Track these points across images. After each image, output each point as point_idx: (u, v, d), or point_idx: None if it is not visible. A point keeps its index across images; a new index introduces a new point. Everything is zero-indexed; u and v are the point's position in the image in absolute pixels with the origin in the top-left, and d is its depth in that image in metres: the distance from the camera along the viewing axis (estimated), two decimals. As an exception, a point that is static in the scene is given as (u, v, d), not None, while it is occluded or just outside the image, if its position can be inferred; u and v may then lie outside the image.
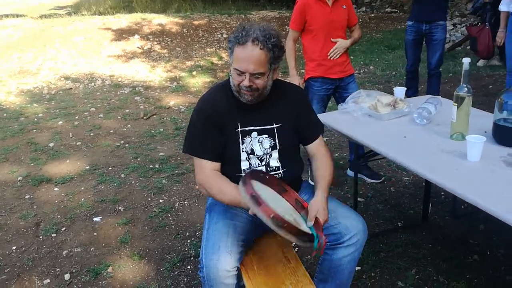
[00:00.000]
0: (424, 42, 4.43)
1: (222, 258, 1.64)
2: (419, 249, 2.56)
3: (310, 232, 1.57)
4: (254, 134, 1.83)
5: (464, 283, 2.25)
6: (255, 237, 1.90)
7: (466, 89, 1.94)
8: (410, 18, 4.40)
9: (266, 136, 1.84)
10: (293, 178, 1.91)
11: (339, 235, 1.78)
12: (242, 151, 1.82)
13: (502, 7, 4.31)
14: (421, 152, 1.90)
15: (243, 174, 1.81)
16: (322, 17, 3.05)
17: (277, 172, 1.85)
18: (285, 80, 2.17)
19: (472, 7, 6.71)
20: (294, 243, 1.62)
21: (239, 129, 1.82)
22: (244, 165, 1.82)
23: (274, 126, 1.85)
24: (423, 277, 2.34)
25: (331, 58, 3.09)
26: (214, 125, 1.80)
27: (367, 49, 8.24)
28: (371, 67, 7.22)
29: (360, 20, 10.88)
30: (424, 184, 3.27)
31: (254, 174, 1.70)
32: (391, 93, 2.68)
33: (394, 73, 6.74)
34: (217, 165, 1.82)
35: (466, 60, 1.97)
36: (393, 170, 3.59)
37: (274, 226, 1.44)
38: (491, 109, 2.37)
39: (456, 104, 1.96)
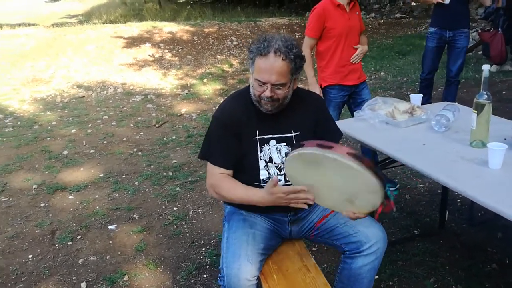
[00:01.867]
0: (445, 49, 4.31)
1: (243, 267, 1.63)
2: (436, 258, 2.53)
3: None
4: (273, 142, 1.83)
5: (484, 293, 2.22)
6: (274, 245, 1.89)
7: (486, 96, 1.93)
8: (433, 25, 4.27)
9: (285, 144, 1.84)
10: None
11: (359, 243, 1.77)
12: (261, 159, 1.82)
13: None
14: (441, 159, 1.89)
15: (262, 184, 1.81)
16: (342, 23, 3.04)
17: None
18: (304, 88, 2.16)
19: (484, 12, 6.67)
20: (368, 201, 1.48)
21: (257, 137, 1.82)
22: (263, 174, 1.82)
23: (293, 134, 1.84)
24: (441, 286, 2.31)
25: (354, 63, 3.10)
26: (232, 133, 1.80)
27: (378, 55, 8.21)
28: (382, 73, 7.20)
29: (370, 26, 10.87)
30: (439, 191, 3.25)
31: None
32: (404, 99, 2.67)
33: (405, 79, 6.71)
34: (229, 172, 1.83)
35: (486, 67, 1.95)
36: (408, 177, 3.56)
37: (353, 162, 1.37)
38: (506, 115, 2.36)
39: (476, 112, 1.94)
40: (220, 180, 1.81)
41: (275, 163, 1.83)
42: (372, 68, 7.36)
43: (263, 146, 1.82)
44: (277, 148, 1.83)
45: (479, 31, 5.87)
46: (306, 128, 1.87)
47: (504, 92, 5.51)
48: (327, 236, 1.89)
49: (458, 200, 3.14)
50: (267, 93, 1.69)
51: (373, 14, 14.00)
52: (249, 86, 1.92)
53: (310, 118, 1.89)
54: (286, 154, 1.83)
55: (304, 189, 1.55)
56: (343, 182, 1.45)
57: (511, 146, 1.88)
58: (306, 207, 1.63)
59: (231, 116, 1.81)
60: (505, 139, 2.01)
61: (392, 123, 2.33)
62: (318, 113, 1.92)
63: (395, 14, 13.83)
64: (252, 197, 1.74)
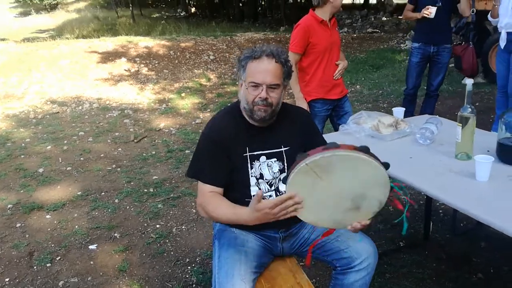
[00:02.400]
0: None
1: (236, 287, 1.60)
2: (423, 269, 2.55)
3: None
4: (263, 158, 1.81)
5: (472, 303, 2.25)
6: (266, 262, 1.86)
7: (470, 109, 1.97)
8: (416, 40, 4.30)
9: (275, 159, 1.82)
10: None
11: (350, 259, 1.76)
12: (251, 176, 1.80)
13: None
14: (430, 172, 1.91)
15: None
16: (325, 39, 3.09)
17: (287, 197, 1.83)
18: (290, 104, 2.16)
19: (454, 26, 6.90)
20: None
21: (248, 154, 1.80)
22: (254, 190, 1.80)
23: (283, 149, 1.83)
24: (430, 298, 2.32)
25: (336, 79, 3.14)
26: (221, 151, 1.77)
27: (353, 69, 8.36)
28: (357, 86, 7.33)
29: (344, 41, 11.08)
30: (422, 202, 3.29)
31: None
32: (381, 111, 2.71)
33: (381, 91, 6.84)
34: (219, 190, 1.79)
35: (469, 81, 2.00)
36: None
37: (363, 154, 1.35)
38: (481, 126, 2.41)
39: (461, 125, 1.98)
40: (209, 198, 1.76)
41: (266, 179, 1.81)
42: (348, 82, 7.48)
43: (253, 162, 1.80)
44: (267, 164, 1.82)
45: (453, 44, 6.04)
46: (296, 142, 1.86)
47: (477, 104, 5.67)
48: (318, 252, 1.87)
49: (440, 211, 3.19)
50: (263, 94, 1.69)
51: (345, 29, 14.31)
52: (237, 102, 1.91)
53: (298, 132, 1.89)
54: (282, 173, 1.81)
55: (292, 196, 1.44)
56: (353, 181, 1.40)
57: (495, 158, 1.93)
58: (297, 213, 1.50)
59: (220, 133, 1.79)
60: (488, 151, 2.05)
61: (377, 136, 2.35)
62: (306, 127, 1.92)
63: (367, 29, 14.18)
64: (239, 216, 1.64)
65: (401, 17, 4.22)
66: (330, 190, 1.42)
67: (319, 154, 1.36)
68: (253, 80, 1.70)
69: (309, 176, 1.39)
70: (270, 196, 1.82)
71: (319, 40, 3.06)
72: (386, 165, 1.41)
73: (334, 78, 3.16)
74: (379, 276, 2.48)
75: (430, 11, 4.02)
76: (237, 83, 1.86)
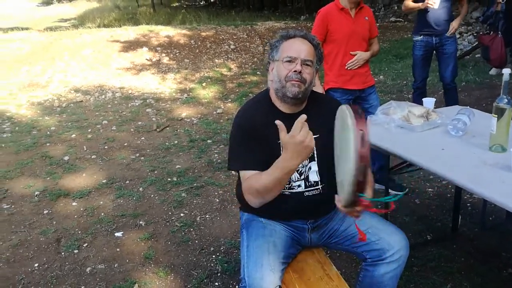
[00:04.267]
0: (435, 56, 4.21)
1: (265, 277, 1.59)
2: (452, 263, 2.50)
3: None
4: None
5: (502, 298, 2.20)
6: (294, 253, 1.85)
7: (506, 100, 1.90)
8: (417, 32, 4.16)
9: None
10: (332, 195, 1.85)
11: (381, 251, 1.74)
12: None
13: None
14: (463, 164, 1.86)
15: (285, 186, 1.75)
16: (345, 27, 3.04)
17: (315, 187, 1.81)
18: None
19: (482, 15, 6.71)
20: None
21: (280, 141, 1.78)
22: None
23: (313, 136, 1.80)
24: (459, 292, 2.28)
25: (349, 69, 3.09)
26: (254, 139, 1.75)
27: (376, 59, 8.17)
28: (381, 76, 7.21)
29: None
30: (449, 195, 3.24)
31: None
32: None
33: (405, 82, 6.72)
34: (260, 173, 1.75)
35: (507, 71, 1.93)
36: (416, 181, 3.54)
37: (354, 130, 1.32)
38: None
39: (496, 116, 1.92)
40: (250, 180, 1.69)
41: (296, 166, 1.78)
42: (371, 72, 7.34)
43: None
44: None
45: (480, 34, 5.87)
46: (325, 130, 1.83)
47: (504, 95, 5.54)
48: (347, 243, 1.85)
49: (468, 204, 3.12)
50: (298, 66, 1.70)
51: (368, 18, 14.04)
52: (265, 90, 1.89)
53: (328, 120, 1.85)
54: (312, 161, 1.82)
55: (303, 117, 1.44)
56: (346, 152, 1.38)
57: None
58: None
59: (251, 121, 1.77)
60: (524, 143, 1.99)
61: (407, 127, 2.30)
62: (335, 115, 1.89)
63: (390, 18, 13.90)
64: (279, 165, 1.53)
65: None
66: (343, 147, 1.43)
67: (348, 108, 1.41)
68: (289, 54, 1.73)
69: (339, 122, 1.52)
70: (299, 186, 1.80)
71: (337, 28, 3.02)
72: (362, 171, 1.32)
73: (346, 68, 3.09)
74: (406, 270, 2.43)
75: (434, 1, 3.82)
76: (266, 68, 1.84)
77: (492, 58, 5.66)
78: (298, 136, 1.44)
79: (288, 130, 1.74)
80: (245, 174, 1.73)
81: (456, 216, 2.77)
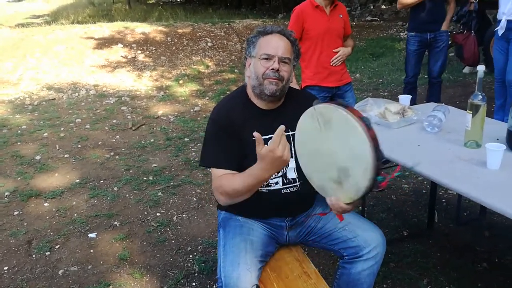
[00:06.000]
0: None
1: (242, 276, 1.57)
2: (428, 258, 2.53)
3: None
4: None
5: (477, 292, 2.23)
6: (271, 251, 1.82)
7: (480, 96, 1.92)
8: (411, 29, 4.23)
9: None
10: (309, 192, 1.83)
11: (358, 248, 1.73)
12: (260, 161, 1.75)
13: None
14: (439, 160, 1.87)
15: (263, 184, 1.72)
16: (320, 25, 3.03)
17: (293, 184, 1.79)
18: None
19: (455, 15, 6.83)
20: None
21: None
22: None
23: (290, 133, 1.78)
24: (435, 287, 2.30)
25: (334, 65, 3.08)
26: (230, 135, 1.72)
27: (352, 57, 8.24)
28: (357, 75, 7.27)
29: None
30: (424, 191, 3.27)
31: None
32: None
33: (381, 80, 6.79)
34: (233, 173, 1.73)
35: (481, 68, 1.96)
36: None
37: (360, 125, 1.30)
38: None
39: (471, 112, 1.94)
40: (221, 179, 1.67)
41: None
42: (347, 70, 7.39)
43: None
44: None
45: (454, 33, 5.97)
46: None
47: (477, 93, 5.64)
48: (324, 241, 1.84)
49: (443, 200, 3.16)
50: (275, 64, 1.68)
51: (344, 17, 14.15)
52: (242, 86, 1.86)
53: None
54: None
55: (282, 128, 1.40)
56: (343, 149, 1.36)
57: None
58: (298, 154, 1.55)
59: (227, 118, 1.74)
60: (497, 139, 2.02)
61: (383, 124, 2.31)
62: None
63: (366, 17, 14.05)
64: (253, 173, 1.53)
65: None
66: (324, 148, 1.43)
67: (327, 104, 1.39)
68: (266, 51, 1.70)
69: (313, 122, 1.44)
70: (277, 183, 1.78)
71: (313, 26, 3.02)
72: (378, 152, 1.31)
73: (331, 64, 3.10)
74: (383, 266, 2.43)
75: None
76: (244, 63, 1.82)
77: (465, 56, 5.77)
78: (277, 151, 1.40)
79: (264, 126, 1.73)
80: (217, 171, 1.71)
81: (432, 212, 2.80)
